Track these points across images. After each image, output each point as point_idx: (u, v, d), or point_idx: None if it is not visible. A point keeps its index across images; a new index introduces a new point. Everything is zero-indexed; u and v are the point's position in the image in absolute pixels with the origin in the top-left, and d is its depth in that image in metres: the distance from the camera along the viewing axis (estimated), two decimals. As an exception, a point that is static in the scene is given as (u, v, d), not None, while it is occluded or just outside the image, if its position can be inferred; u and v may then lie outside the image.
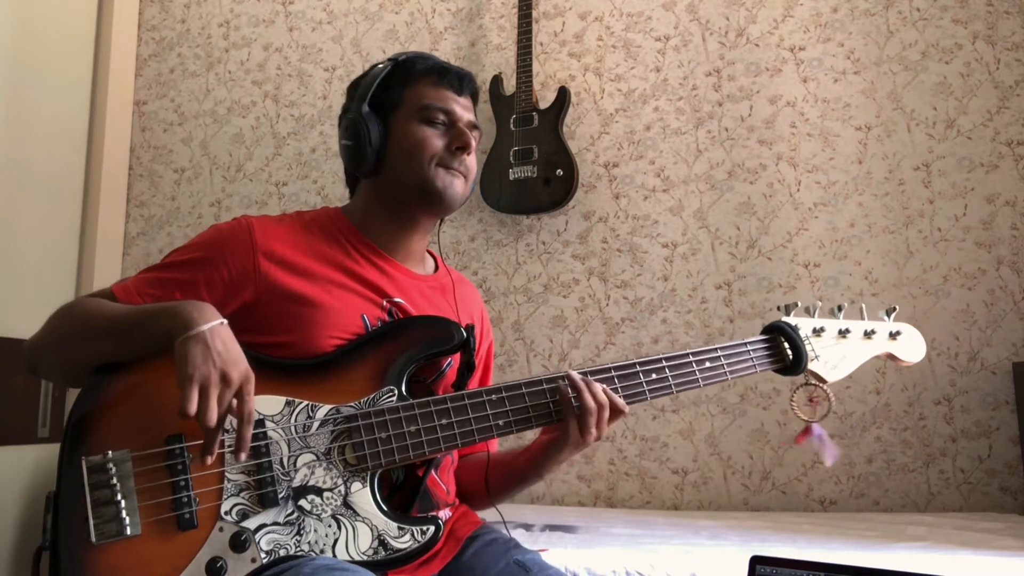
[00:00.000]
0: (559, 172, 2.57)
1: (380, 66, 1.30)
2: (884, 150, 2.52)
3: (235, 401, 1.04)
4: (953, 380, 2.39)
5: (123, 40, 3.06)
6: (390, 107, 1.28)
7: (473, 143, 1.29)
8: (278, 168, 2.98)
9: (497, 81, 2.74)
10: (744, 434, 2.49)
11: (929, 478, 2.37)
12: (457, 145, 1.27)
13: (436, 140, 1.27)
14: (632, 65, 2.73)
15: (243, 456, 1.05)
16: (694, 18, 2.70)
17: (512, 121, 2.63)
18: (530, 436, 2.62)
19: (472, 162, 1.31)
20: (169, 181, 3.07)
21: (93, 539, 1.02)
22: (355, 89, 1.32)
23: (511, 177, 2.60)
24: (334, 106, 2.95)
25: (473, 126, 1.31)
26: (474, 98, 1.34)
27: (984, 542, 1.81)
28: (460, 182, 1.29)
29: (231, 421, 1.06)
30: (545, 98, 2.69)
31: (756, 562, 1.03)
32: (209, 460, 1.04)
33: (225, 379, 1.02)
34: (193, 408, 1.00)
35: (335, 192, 2.90)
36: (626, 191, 2.67)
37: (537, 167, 2.59)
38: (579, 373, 1.21)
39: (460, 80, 1.30)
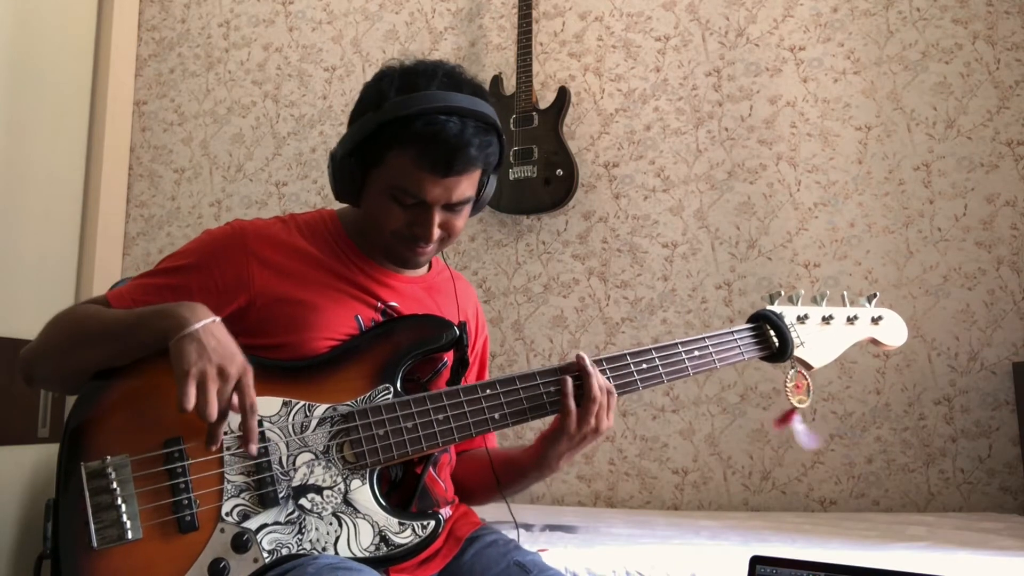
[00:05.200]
0: (559, 172, 2.57)
1: (370, 116, 1.16)
2: (884, 150, 2.52)
3: (235, 396, 1.04)
4: (953, 380, 2.39)
5: (123, 40, 3.06)
6: (372, 161, 1.18)
7: (434, 235, 1.20)
8: (278, 168, 2.98)
9: (497, 81, 2.74)
10: (744, 434, 2.49)
11: (929, 478, 2.37)
12: (418, 234, 1.20)
13: (399, 218, 1.20)
14: (632, 65, 2.73)
15: (254, 448, 1.06)
16: (694, 18, 2.70)
17: (512, 121, 2.63)
18: (531, 436, 2.62)
19: (441, 236, 1.22)
20: (169, 181, 3.07)
21: (95, 544, 1.02)
22: (356, 108, 1.21)
23: (511, 177, 2.60)
24: (334, 106, 2.95)
25: (459, 203, 1.20)
26: (475, 164, 1.17)
27: (984, 542, 1.81)
28: (422, 257, 1.27)
29: (228, 424, 1.07)
30: (545, 98, 2.69)
31: (756, 562, 1.04)
32: (213, 448, 1.05)
33: (223, 373, 1.03)
34: (191, 402, 1.00)
35: (335, 192, 2.89)
36: (626, 191, 2.67)
37: (537, 167, 2.59)
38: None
39: (450, 161, 1.14)
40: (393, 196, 1.18)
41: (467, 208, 1.23)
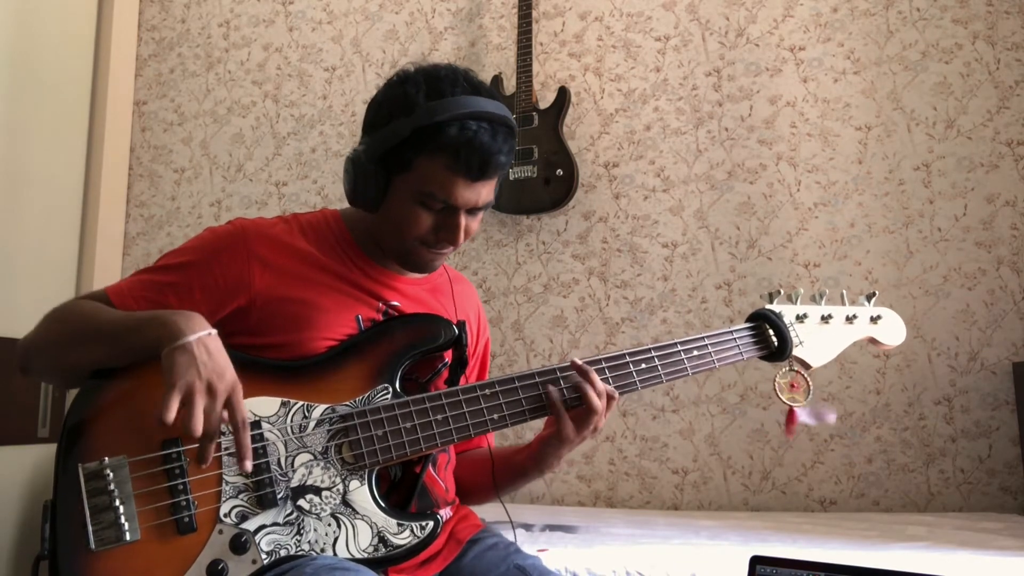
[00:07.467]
0: (559, 172, 2.57)
1: (402, 121, 1.15)
2: (884, 150, 2.52)
3: (226, 412, 1.04)
4: (953, 380, 2.39)
5: (123, 40, 3.06)
6: (398, 166, 1.18)
7: (461, 239, 1.21)
8: (278, 168, 2.97)
9: (497, 81, 2.73)
10: (744, 434, 2.49)
11: (929, 478, 2.37)
12: (444, 237, 1.21)
13: (426, 223, 1.20)
14: (632, 65, 2.73)
15: (248, 465, 1.05)
16: (694, 18, 2.70)
17: (512, 121, 2.62)
18: (530, 435, 2.62)
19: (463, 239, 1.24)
20: (169, 181, 3.07)
21: (92, 546, 1.02)
22: (378, 113, 1.21)
23: (511, 177, 2.59)
24: (334, 106, 2.95)
25: (483, 206, 1.22)
26: (503, 168, 1.20)
27: (984, 542, 1.81)
28: (442, 259, 1.27)
29: (227, 427, 1.07)
30: (545, 98, 2.69)
31: (756, 562, 1.04)
32: (203, 466, 1.05)
33: (211, 389, 1.02)
34: (171, 416, 0.99)
35: (335, 192, 2.90)
36: (626, 191, 2.67)
37: (537, 167, 2.59)
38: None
39: (483, 166, 1.16)
40: (421, 201, 1.19)
41: (483, 211, 1.25)
